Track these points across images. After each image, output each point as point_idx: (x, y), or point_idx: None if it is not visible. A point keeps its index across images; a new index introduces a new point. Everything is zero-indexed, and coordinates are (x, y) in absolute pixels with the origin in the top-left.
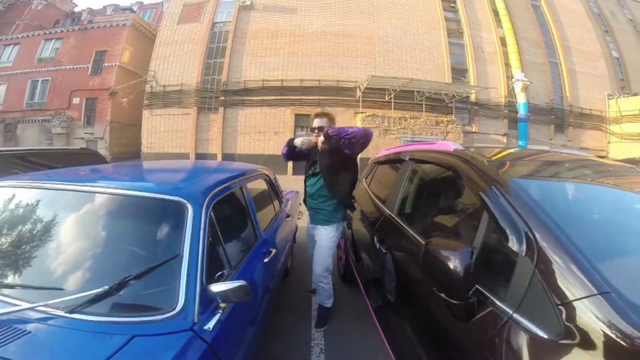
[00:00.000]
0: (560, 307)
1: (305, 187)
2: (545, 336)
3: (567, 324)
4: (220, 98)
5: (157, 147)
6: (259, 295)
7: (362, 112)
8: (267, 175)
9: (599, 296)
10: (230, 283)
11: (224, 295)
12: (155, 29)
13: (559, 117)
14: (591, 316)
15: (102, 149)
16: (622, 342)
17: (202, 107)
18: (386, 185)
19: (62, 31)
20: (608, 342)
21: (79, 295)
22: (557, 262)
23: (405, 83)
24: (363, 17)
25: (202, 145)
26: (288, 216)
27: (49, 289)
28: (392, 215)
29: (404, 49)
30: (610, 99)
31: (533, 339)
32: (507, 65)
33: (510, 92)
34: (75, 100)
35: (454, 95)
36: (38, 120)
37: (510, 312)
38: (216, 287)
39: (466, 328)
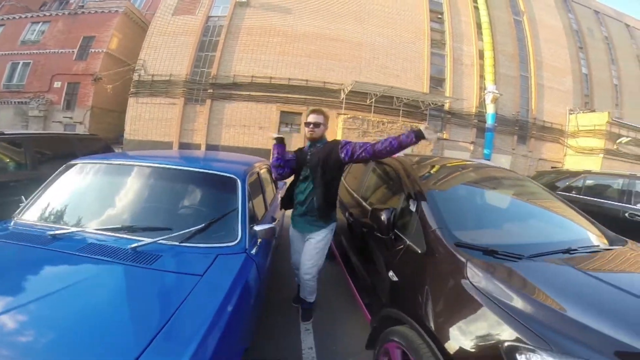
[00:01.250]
0: (425, 236)
1: (294, 193)
2: (419, 251)
3: (429, 244)
4: (209, 90)
5: (140, 135)
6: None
7: (345, 114)
8: (269, 166)
9: (440, 229)
10: (265, 225)
11: (261, 232)
12: (146, 16)
13: (523, 128)
14: (438, 239)
15: (81, 132)
16: (446, 250)
17: (190, 98)
18: (356, 177)
19: (51, 14)
20: (444, 252)
21: (184, 231)
22: (427, 214)
23: (385, 90)
24: (354, 23)
25: (187, 135)
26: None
27: (166, 229)
28: (358, 197)
29: (389, 56)
30: (571, 114)
31: (416, 254)
32: (482, 77)
33: (481, 102)
34: (57, 84)
35: (429, 103)
36: (14, 102)
37: (407, 241)
38: (257, 227)
39: (390, 253)
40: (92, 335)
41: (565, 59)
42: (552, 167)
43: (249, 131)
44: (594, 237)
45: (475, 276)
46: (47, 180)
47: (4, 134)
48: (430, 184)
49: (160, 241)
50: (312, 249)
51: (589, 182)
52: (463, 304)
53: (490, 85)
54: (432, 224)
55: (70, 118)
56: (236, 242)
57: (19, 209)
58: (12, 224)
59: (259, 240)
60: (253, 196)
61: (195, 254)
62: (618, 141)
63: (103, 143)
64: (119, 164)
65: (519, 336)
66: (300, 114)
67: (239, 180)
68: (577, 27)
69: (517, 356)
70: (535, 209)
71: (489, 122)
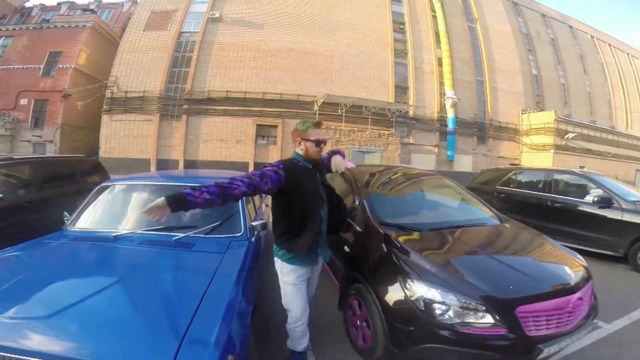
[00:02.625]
0: (364, 220)
1: (319, 221)
2: (360, 230)
3: (365, 225)
4: (184, 106)
5: (116, 152)
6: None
7: None
8: None
9: (372, 215)
10: (259, 221)
11: (257, 226)
12: (114, 30)
13: (482, 129)
14: (370, 222)
15: (51, 152)
16: (375, 228)
17: (165, 114)
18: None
19: (14, 29)
20: (374, 229)
21: (206, 227)
22: (365, 207)
23: (354, 101)
24: (324, 36)
25: (164, 151)
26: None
27: (194, 227)
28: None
29: (357, 67)
30: (523, 113)
31: (359, 232)
32: (441, 83)
33: (442, 107)
34: (23, 101)
35: (395, 110)
36: None
37: (355, 225)
38: (254, 223)
39: (345, 235)
40: (164, 287)
41: (516, 62)
42: (510, 164)
43: (226, 145)
44: (484, 217)
45: (390, 241)
46: (87, 198)
47: (13, 159)
48: (368, 187)
49: (192, 234)
50: (318, 277)
51: (520, 177)
52: (383, 259)
53: (449, 91)
54: (367, 213)
55: (40, 137)
56: (241, 233)
57: (69, 221)
58: (69, 231)
59: (255, 232)
60: (247, 203)
61: (216, 241)
62: (566, 137)
63: (96, 162)
64: (146, 184)
65: (408, 272)
66: (275, 126)
67: None
68: (526, 31)
69: (406, 282)
70: (444, 199)
71: (450, 125)
